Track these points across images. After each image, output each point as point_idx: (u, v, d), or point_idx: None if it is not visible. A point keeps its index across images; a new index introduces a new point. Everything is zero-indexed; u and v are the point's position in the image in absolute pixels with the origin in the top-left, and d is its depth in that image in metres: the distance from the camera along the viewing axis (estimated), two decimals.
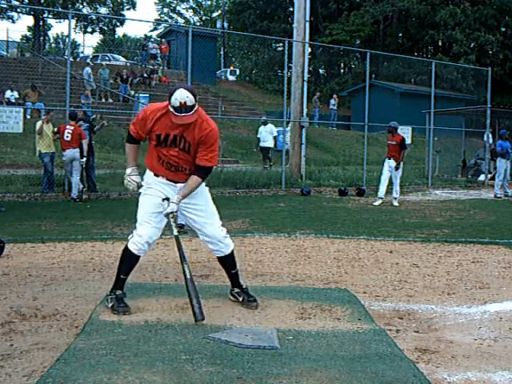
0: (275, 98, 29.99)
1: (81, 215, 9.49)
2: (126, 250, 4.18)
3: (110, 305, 4.13)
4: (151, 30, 57.35)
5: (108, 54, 35.78)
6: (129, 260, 4.20)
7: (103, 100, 23.45)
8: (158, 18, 58.62)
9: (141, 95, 22.56)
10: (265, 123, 18.35)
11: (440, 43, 40.82)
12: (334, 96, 29.11)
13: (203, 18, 60.64)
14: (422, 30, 38.56)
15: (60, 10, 33.77)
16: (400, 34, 42.53)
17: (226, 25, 47.69)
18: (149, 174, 4.25)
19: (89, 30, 42.11)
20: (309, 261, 6.16)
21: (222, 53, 45.74)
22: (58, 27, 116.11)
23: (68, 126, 11.34)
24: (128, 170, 4.31)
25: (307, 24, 15.17)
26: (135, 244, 4.14)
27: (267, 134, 18.01)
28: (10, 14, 38.06)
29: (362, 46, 35.26)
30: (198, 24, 58.24)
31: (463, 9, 36.25)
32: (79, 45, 45.63)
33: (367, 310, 4.33)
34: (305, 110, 15.37)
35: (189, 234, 7.63)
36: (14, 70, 23.75)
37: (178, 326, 3.83)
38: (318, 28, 39.13)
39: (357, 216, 10.21)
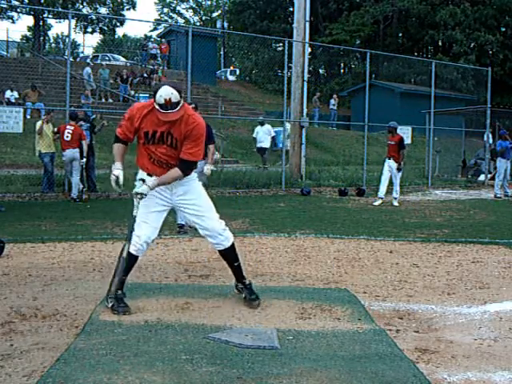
0: (275, 98, 29.98)
1: (81, 215, 9.49)
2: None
3: (110, 305, 4.13)
4: (151, 30, 57.42)
5: (108, 54, 35.79)
6: (128, 260, 4.20)
7: (103, 100, 23.45)
8: (158, 17, 58.65)
9: (141, 95, 22.56)
10: (262, 123, 18.35)
11: (440, 43, 40.81)
12: (334, 96, 29.11)
13: (203, 17, 60.63)
14: (422, 30, 38.55)
15: (60, 10, 33.76)
16: (400, 34, 42.52)
17: (226, 25, 47.68)
18: (142, 173, 4.26)
19: (89, 30, 42.12)
20: (309, 261, 6.16)
21: (222, 53, 45.74)
22: (58, 27, 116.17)
23: (68, 126, 11.34)
24: (112, 166, 4.29)
25: (307, 24, 15.18)
26: (133, 245, 4.14)
27: (264, 135, 18.01)
28: (9, 14, 38.07)
29: (362, 46, 35.25)
30: (198, 24, 58.24)
31: (463, 9, 36.25)
32: (79, 45, 45.68)
33: (367, 310, 4.33)
34: (305, 110, 15.37)
35: (189, 233, 7.64)
36: (14, 70, 23.75)
37: (178, 326, 3.83)
38: (318, 28, 39.13)
39: (357, 216, 10.21)
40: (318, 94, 28.41)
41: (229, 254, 4.45)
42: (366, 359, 3.33)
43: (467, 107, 23.44)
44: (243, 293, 4.44)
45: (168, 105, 3.92)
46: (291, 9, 35.97)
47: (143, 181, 4.14)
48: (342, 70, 45.20)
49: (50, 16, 38.95)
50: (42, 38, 40.86)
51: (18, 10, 37.28)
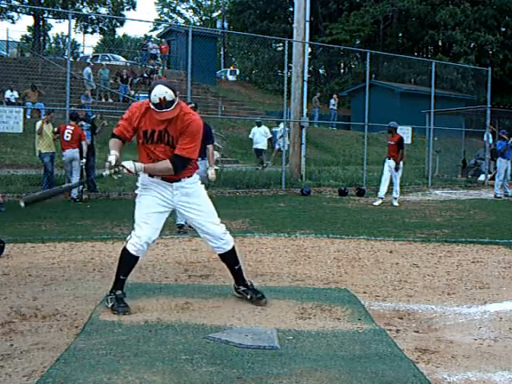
0: (275, 98, 29.97)
1: (81, 215, 9.50)
2: (125, 251, 4.18)
3: (110, 305, 4.13)
4: (151, 30, 57.42)
5: (108, 54, 35.78)
6: (128, 261, 4.20)
7: (103, 100, 23.45)
8: (158, 17, 58.65)
9: (141, 95, 22.55)
10: (259, 124, 18.35)
11: (440, 43, 40.81)
12: (334, 96, 29.11)
13: (203, 18, 60.63)
14: (422, 30, 38.55)
15: (60, 10, 33.75)
16: (400, 34, 42.52)
17: (226, 25, 47.68)
18: (143, 175, 4.25)
19: (89, 30, 42.12)
20: (309, 261, 6.16)
21: (222, 53, 45.73)
22: (58, 27, 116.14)
23: (68, 126, 11.35)
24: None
25: (307, 24, 15.18)
26: (134, 245, 4.14)
27: (260, 136, 18.02)
28: (9, 14, 38.06)
29: (362, 46, 35.26)
30: (198, 24, 58.23)
31: (463, 9, 36.25)
32: (79, 45, 45.66)
33: (367, 310, 4.33)
34: (305, 110, 15.38)
35: (189, 233, 7.64)
36: (14, 70, 23.74)
37: (178, 326, 3.83)
38: (318, 28, 39.13)
39: (357, 216, 10.21)
40: (318, 94, 28.41)
41: (229, 258, 4.45)
42: (366, 359, 3.33)
43: (467, 107, 23.44)
44: (247, 295, 4.44)
45: (163, 104, 3.92)
46: (291, 9, 35.96)
47: (135, 161, 4.09)
48: (342, 70, 45.20)
49: (50, 16, 38.96)
50: (42, 37, 40.84)
51: (18, 9, 37.29)
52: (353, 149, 23.75)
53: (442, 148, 19.08)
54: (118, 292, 4.18)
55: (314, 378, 3.02)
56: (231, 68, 42.02)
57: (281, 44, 32.25)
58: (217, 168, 9.05)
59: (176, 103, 3.99)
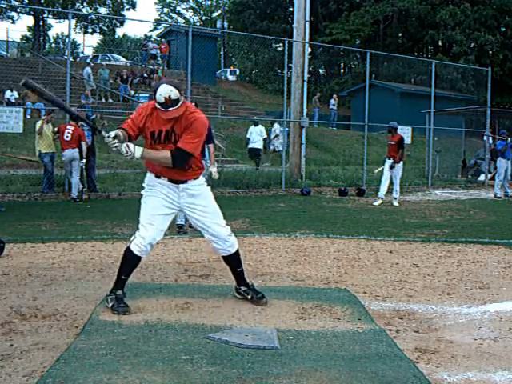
0: (275, 98, 29.97)
1: (81, 215, 9.49)
2: (128, 251, 4.17)
3: (110, 305, 4.13)
4: (151, 30, 57.41)
5: (108, 54, 35.78)
6: (130, 261, 4.20)
7: (103, 100, 23.45)
8: (158, 17, 58.65)
9: (141, 95, 22.56)
10: (256, 123, 18.33)
11: (440, 43, 40.81)
12: (334, 96, 29.11)
13: (203, 18, 60.63)
14: (422, 30, 38.55)
15: (60, 10, 33.74)
16: (400, 34, 42.52)
17: (226, 25, 47.68)
18: (150, 175, 4.26)
19: (89, 30, 42.10)
20: (309, 261, 6.16)
21: (222, 53, 45.73)
22: (58, 27, 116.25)
23: (68, 127, 11.35)
24: None
25: (307, 24, 15.18)
26: (137, 245, 4.14)
27: (257, 135, 18.01)
28: (9, 14, 38.05)
29: (362, 46, 35.26)
30: (198, 24, 58.23)
31: (463, 9, 36.25)
32: (79, 45, 45.68)
33: (367, 310, 4.33)
34: (305, 110, 15.37)
35: (189, 233, 7.65)
36: (14, 70, 23.73)
37: (178, 326, 3.83)
38: (318, 28, 39.12)
39: (357, 216, 10.21)
40: (318, 95, 28.41)
41: (233, 260, 4.46)
42: (366, 359, 3.33)
43: (467, 107, 23.44)
44: (248, 295, 4.44)
45: (168, 103, 3.94)
46: (291, 9, 35.96)
47: (135, 147, 4.04)
48: (342, 70, 45.21)
49: (50, 16, 38.95)
50: (42, 38, 40.83)
51: (18, 9, 37.28)
52: (353, 149, 23.75)
53: (441, 148, 19.09)
54: (119, 292, 4.18)
55: (313, 378, 3.02)
56: (231, 68, 42.03)
57: (281, 44, 32.27)
58: (219, 166, 9.08)
59: (181, 102, 4.00)
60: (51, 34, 59.40)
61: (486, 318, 4.22)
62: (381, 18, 39.56)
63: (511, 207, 12.48)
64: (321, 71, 44.56)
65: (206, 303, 4.37)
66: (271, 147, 19.89)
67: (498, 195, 14.34)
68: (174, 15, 60.58)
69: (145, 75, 26.74)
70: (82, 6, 39.29)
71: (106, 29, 43.79)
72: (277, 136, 19.78)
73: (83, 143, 11.36)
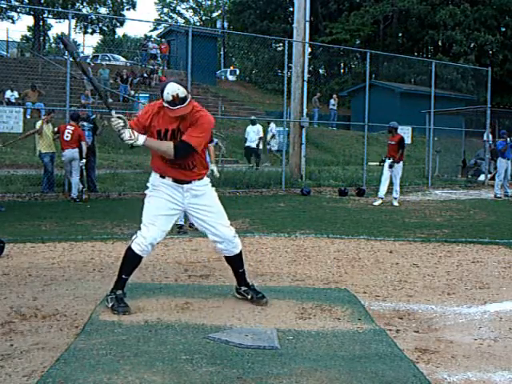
0: (275, 98, 29.97)
1: (81, 215, 9.49)
2: (130, 250, 4.18)
3: (110, 305, 4.13)
4: (151, 30, 57.37)
5: (108, 54, 35.76)
6: (132, 260, 4.20)
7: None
8: (158, 17, 58.65)
9: (141, 95, 22.56)
10: (253, 123, 18.33)
11: (440, 43, 40.83)
12: (334, 96, 29.12)
13: (203, 18, 60.63)
14: (422, 30, 38.57)
15: (60, 10, 33.74)
16: (400, 34, 42.55)
17: (226, 25, 47.68)
18: (155, 176, 4.26)
19: (89, 30, 42.11)
20: (309, 261, 6.16)
21: (222, 53, 45.73)
22: (58, 27, 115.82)
23: (68, 127, 11.34)
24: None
25: (307, 24, 15.18)
26: (139, 245, 4.14)
27: (254, 135, 18.02)
28: (9, 14, 38.06)
29: (362, 46, 35.27)
30: (198, 24, 58.22)
31: (463, 9, 36.27)
32: (79, 45, 45.58)
33: (367, 310, 4.33)
34: (305, 110, 15.37)
35: (189, 233, 7.65)
36: (14, 70, 23.74)
37: (178, 326, 3.83)
38: (318, 28, 39.14)
39: (357, 216, 10.21)
40: (318, 95, 28.42)
41: (236, 261, 4.46)
42: (366, 359, 3.33)
43: (467, 107, 23.45)
44: (248, 295, 4.45)
45: (176, 100, 3.95)
46: (291, 9, 35.98)
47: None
48: (342, 70, 45.23)
49: (50, 16, 38.96)
50: (42, 37, 40.84)
51: (18, 10, 37.28)
52: (353, 149, 23.75)
53: (441, 148, 19.09)
54: (119, 292, 4.18)
55: (313, 378, 3.02)
56: (231, 68, 42.01)
57: (281, 44, 32.25)
58: (219, 166, 9.11)
59: (189, 100, 4.02)
60: (51, 34, 59.34)
61: (486, 318, 4.22)
62: (381, 17, 39.58)
63: (511, 207, 12.48)
64: (321, 71, 44.59)
65: (205, 303, 4.37)
66: (268, 147, 19.94)
67: (498, 195, 14.34)
68: (174, 15, 60.59)
69: (145, 75, 26.73)
70: (82, 6, 39.31)
71: (106, 29, 43.81)
72: (273, 136, 19.85)
73: (83, 143, 11.35)
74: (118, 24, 43.27)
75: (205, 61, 25.50)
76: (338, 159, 22.61)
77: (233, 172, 15.16)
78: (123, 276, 4.22)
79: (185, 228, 7.83)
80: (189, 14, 61.36)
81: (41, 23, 39.32)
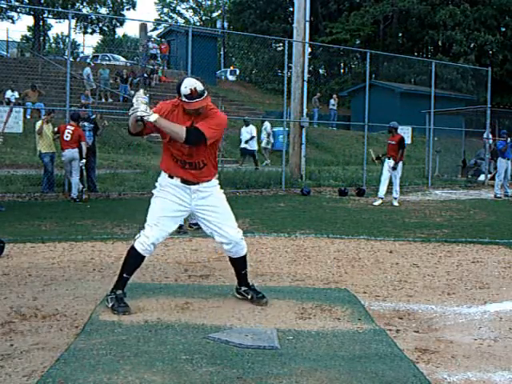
0: (275, 98, 29.97)
1: (81, 215, 9.49)
2: (133, 249, 4.19)
3: (110, 305, 4.14)
4: (151, 30, 57.17)
5: (108, 54, 35.77)
6: (134, 259, 4.22)
7: (103, 100, 23.45)
8: (158, 18, 58.64)
9: None
10: (247, 124, 18.37)
11: (440, 43, 40.81)
12: (334, 96, 29.11)
13: (203, 18, 60.61)
14: (422, 30, 38.57)
15: (60, 10, 33.73)
16: (400, 34, 42.53)
17: (226, 25, 47.66)
18: (163, 176, 4.27)
19: (89, 30, 42.09)
20: (309, 261, 6.16)
21: (222, 53, 45.72)
22: (58, 27, 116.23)
23: (68, 127, 11.34)
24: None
25: (307, 24, 15.18)
26: (142, 244, 4.15)
27: (248, 136, 18.05)
28: (9, 14, 38.05)
29: (362, 46, 35.27)
30: (198, 24, 58.21)
31: (463, 9, 36.26)
32: (79, 45, 45.62)
33: (367, 310, 4.33)
34: (305, 110, 15.37)
35: (189, 233, 7.65)
36: (14, 70, 23.73)
37: (178, 326, 3.83)
38: (318, 28, 39.14)
39: (357, 216, 10.21)
40: (318, 95, 28.41)
41: (240, 263, 4.46)
42: (366, 359, 3.33)
43: (467, 107, 23.45)
44: (248, 295, 4.45)
45: (194, 94, 3.99)
46: (291, 9, 35.97)
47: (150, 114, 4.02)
48: (341, 70, 45.22)
49: (50, 16, 38.94)
50: (42, 38, 40.83)
51: (18, 10, 37.26)
52: (353, 149, 23.75)
53: (442, 148, 19.09)
54: (119, 292, 4.18)
55: (313, 378, 3.02)
56: (231, 68, 42.00)
57: (281, 44, 32.26)
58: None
59: (206, 94, 4.05)
60: (51, 34, 59.44)
61: (486, 318, 4.22)
62: (381, 17, 39.56)
63: (511, 207, 12.48)
64: (321, 71, 44.57)
65: (205, 303, 4.37)
66: (262, 145, 20.00)
67: (498, 195, 14.34)
68: (174, 15, 60.58)
69: (145, 75, 26.73)
70: (82, 6, 39.29)
71: (106, 29, 43.79)
72: (268, 135, 19.92)
73: (83, 143, 11.35)
74: (118, 24, 43.27)
75: (205, 61, 25.48)
76: (338, 159, 22.61)
77: (233, 172, 15.16)
78: (124, 275, 4.23)
79: (185, 228, 7.83)
80: (189, 14, 61.43)
81: (41, 23, 39.31)
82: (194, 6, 60.93)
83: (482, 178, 18.48)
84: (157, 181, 4.32)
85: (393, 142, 11.92)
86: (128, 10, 42.00)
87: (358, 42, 40.39)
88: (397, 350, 3.49)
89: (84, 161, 11.38)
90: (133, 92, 23.88)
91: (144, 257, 4.21)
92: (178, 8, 60.67)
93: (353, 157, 22.42)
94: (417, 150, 23.10)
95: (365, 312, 4.28)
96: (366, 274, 5.61)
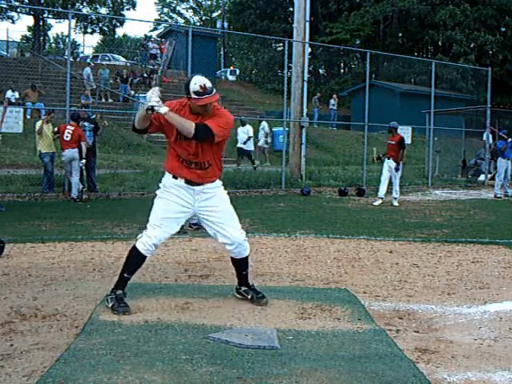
0: (275, 98, 29.97)
1: (81, 215, 9.49)
2: (134, 249, 4.20)
3: (110, 305, 4.14)
4: (151, 30, 57.34)
5: (108, 54, 35.77)
6: (135, 259, 4.22)
7: (103, 100, 23.45)
8: (158, 18, 58.65)
9: (141, 95, 22.52)
10: (243, 123, 18.34)
11: (440, 43, 40.81)
12: (334, 96, 29.11)
13: (203, 18, 60.62)
14: (422, 30, 38.56)
15: (60, 10, 33.74)
16: (400, 34, 42.52)
17: (226, 25, 47.66)
18: (167, 176, 4.26)
19: (89, 30, 42.11)
20: (309, 261, 6.16)
21: (222, 53, 45.72)
22: (58, 27, 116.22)
23: (68, 127, 11.34)
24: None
25: (307, 24, 15.18)
26: (143, 244, 4.16)
27: (244, 135, 18.04)
28: (9, 14, 38.06)
29: (362, 46, 35.26)
30: (198, 24, 58.22)
31: (463, 9, 36.25)
32: (79, 45, 45.63)
33: (367, 310, 4.33)
34: (305, 110, 15.37)
35: (189, 233, 7.65)
36: (14, 70, 23.74)
37: (178, 326, 3.83)
38: (318, 28, 39.13)
39: (357, 216, 10.21)
40: (318, 95, 28.41)
41: (242, 263, 4.46)
42: (366, 359, 3.33)
43: (467, 107, 23.44)
44: (248, 295, 4.45)
45: (204, 90, 4.04)
46: (291, 9, 35.97)
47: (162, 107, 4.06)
48: (341, 70, 45.21)
49: (50, 16, 38.97)
50: (42, 37, 40.85)
51: (18, 10, 37.28)
52: (353, 149, 23.75)
53: (441, 148, 19.09)
54: (119, 291, 4.18)
55: (313, 378, 3.02)
56: (231, 68, 41.98)
57: (281, 44, 32.26)
58: None
59: (215, 91, 4.11)
60: (51, 34, 59.45)
61: (486, 318, 4.22)
62: (381, 17, 39.56)
63: (511, 207, 12.48)
64: (321, 71, 44.57)
65: (205, 303, 4.37)
66: (259, 144, 20.02)
67: (498, 195, 14.34)
68: (174, 15, 60.60)
69: (145, 75, 26.73)
70: (82, 6, 39.31)
71: (106, 29, 43.80)
72: (266, 135, 19.92)
73: (83, 143, 11.35)
74: (118, 24, 43.28)
75: (205, 61, 25.45)
76: (338, 159, 22.61)
77: (233, 172, 15.16)
78: (125, 275, 4.23)
79: (185, 228, 7.82)
80: (189, 14, 61.45)
81: (41, 23, 39.33)
82: (193, 6, 60.96)
83: (481, 178, 18.48)
84: (160, 181, 4.32)
85: (393, 142, 11.92)
86: (128, 10, 42.11)
87: (358, 42, 40.39)
88: (397, 350, 3.49)
89: (84, 161, 11.38)
90: (132, 92, 23.92)
91: (145, 257, 4.21)
92: (178, 8, 60.75)
93: (353, 157, 22.42)
94: (417, 150, 23.09)
95: (365, 312, 4.28)
96: (365, 274, 5.61)
